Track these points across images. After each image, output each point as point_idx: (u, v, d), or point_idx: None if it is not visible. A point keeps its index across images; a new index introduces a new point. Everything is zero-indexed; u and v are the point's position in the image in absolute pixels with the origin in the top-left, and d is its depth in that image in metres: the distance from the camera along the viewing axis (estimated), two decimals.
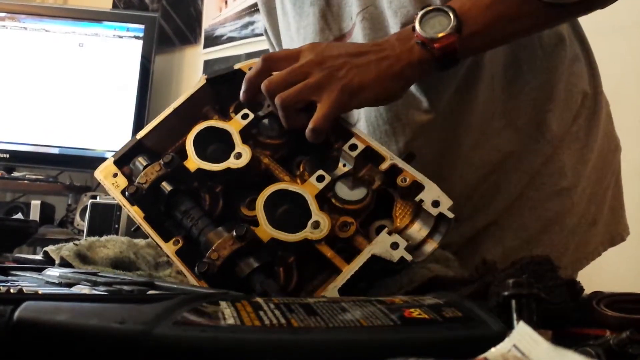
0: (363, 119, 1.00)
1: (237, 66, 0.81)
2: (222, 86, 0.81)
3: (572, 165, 1.01)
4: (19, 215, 2.41)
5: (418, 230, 0.68)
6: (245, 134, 0.75)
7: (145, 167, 0.71)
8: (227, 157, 0.73)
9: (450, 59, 0.76)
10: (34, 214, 2.43)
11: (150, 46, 2.86)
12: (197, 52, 3.01)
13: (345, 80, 0.73)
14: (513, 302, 0.44)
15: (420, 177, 0.69)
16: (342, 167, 0.72)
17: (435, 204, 0.66)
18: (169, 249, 0.69)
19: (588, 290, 0.60)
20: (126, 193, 0.71)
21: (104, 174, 0.75)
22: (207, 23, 2.99)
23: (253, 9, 2.80)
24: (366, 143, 0.72)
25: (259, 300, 0.42)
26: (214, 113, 0.80)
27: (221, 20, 2.93)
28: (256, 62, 0.79)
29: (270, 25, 1.16)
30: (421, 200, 0.67)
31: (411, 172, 0.69)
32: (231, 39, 2.88)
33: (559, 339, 0.43)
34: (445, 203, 0.66)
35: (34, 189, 2.74)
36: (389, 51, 0.76)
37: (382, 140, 0.97)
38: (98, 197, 1.57)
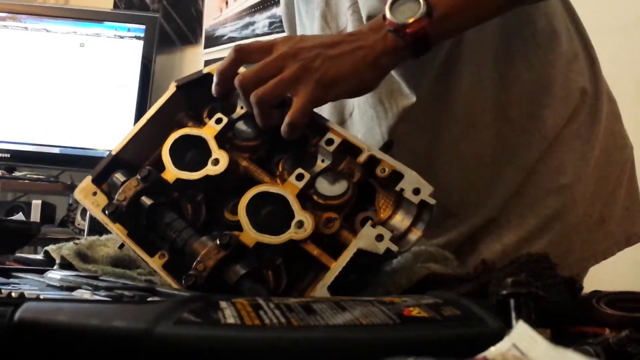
0: (356, 106, 1.00)
1: (205, 70, 0.80)
2: (193, 91, 0.80)
3: (573, 162, 1.00)
4: (20, 215, 2.41)
5: (401, 220, 0.67)
6: (220, 138, 0.74)
7: (122, 183, 0.70)
8: (205, 164, 0.72)
9: (423, 44, 0.75)
10: (35, 214, 2.43)
11: (151, 46, 2.86)
12: (198, 53, 3.01)
13: (320, 72, 0.72)
14: (512, 301, 0.44)
15: (399, 166, 0.68)
16: (321, 163, 0.71)
17: (416, 191, 0.66)
18: (155, 263, 0.68)
19: (588, 290, 0.60)
20: (106, 211, 0.70)
21: (84, 193, 0.74)
22: (207, 23, 2.99)
23: (253, 10, 2.80)
24: (342, 137, 0.72)
25: (259, 300, 0.43)
26: (188, 119, 0.79)
27: (222, 21, 2.94)
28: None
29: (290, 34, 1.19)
30: (402, 189, 0.67)
31: (389, 162, 0.69)
32: (232, 40, 2.88)
33: (558, 338, 0.43)
34: (426, 190, 0.66)
35: (35, 188, 2.74)
36: (362, 41, 0.75)
37: (369, 125, 0.98)
38: None
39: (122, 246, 0.73)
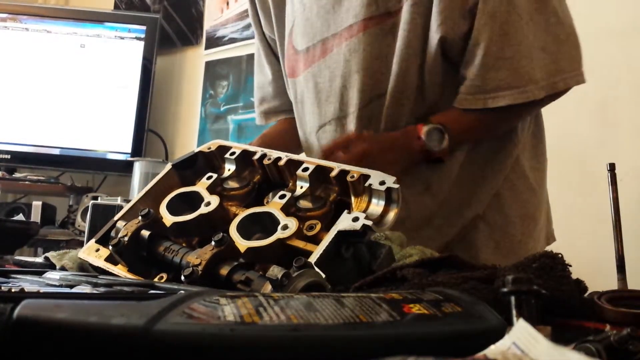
0: (389, 94, 1.13)
1: (197, 149, 0.91)
2: (186, 169, 0.90)
3: (529, 168, 1.20)
4: (20, 216, 2.41)
5: (376, 205, 0.76)
6: (211, 191, 0.83)
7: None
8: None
9: (439, 160, 1.08)
10: (35, 215, 2.43)
11: (151, 47, 2.87)
12: (199, 53, 3.01)
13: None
14: (512, 299, 0.44)
15: (365, 170, 0.78)
16: (300, 189, 0.81)
17: (382, 183, 0.76)
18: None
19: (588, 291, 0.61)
20: (110, 247, 0.74)
21: (87, 251, 0.81)
22: (208, 24, 2.99)
23: None
24: (315, 163, 0.82)
25: (259, 296, 0.42)
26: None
27: (223, 22, 2.94)
28: (211, 144, 0.90)
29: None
30: (370, 185, 0.76)
31: (356, 169, 0.79)
32: (233, 40, 2.88)
33: (559, 332, 0.43)
34: (390, 179, 0.76)
35: (36, 189, 2.74)
36: (405, 151, 1.07)
37: (400, 111, 1.12)
38: (99, 198, 1.57)
39: None
